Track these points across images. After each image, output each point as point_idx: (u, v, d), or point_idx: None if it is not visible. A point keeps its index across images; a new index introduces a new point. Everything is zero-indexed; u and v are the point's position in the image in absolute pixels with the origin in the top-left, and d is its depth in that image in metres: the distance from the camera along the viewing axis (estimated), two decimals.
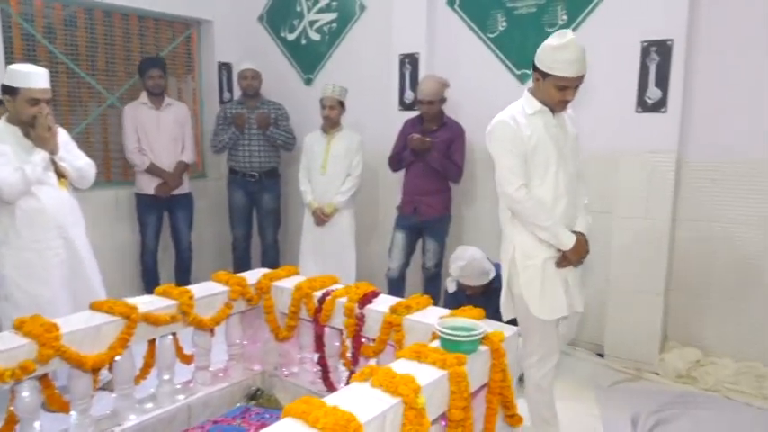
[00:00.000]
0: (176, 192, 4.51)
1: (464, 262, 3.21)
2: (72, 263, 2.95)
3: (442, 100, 3.82)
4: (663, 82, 3.33)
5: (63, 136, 3.04)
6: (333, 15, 4.84)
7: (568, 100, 2.35)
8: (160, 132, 4.40)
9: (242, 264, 4.75)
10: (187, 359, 2.76)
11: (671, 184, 3.39)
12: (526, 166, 2.37)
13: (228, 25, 5.30)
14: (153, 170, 4.38)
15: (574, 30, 3.64)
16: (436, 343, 2.00)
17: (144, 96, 4.38)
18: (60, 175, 2.95)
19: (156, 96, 4.39)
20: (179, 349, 2.68)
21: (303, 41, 5.07)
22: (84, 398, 2.30)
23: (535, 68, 2.34)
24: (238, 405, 2.84)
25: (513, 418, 2.18)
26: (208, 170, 5.39)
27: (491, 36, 4.03)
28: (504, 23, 3.96)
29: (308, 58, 5.07)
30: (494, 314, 2.36)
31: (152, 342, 2.58)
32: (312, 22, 4.98)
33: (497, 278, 3.30)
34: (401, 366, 1.81)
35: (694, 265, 3.49)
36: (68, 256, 2.94)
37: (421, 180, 3.86)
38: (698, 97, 3.36)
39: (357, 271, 4.25)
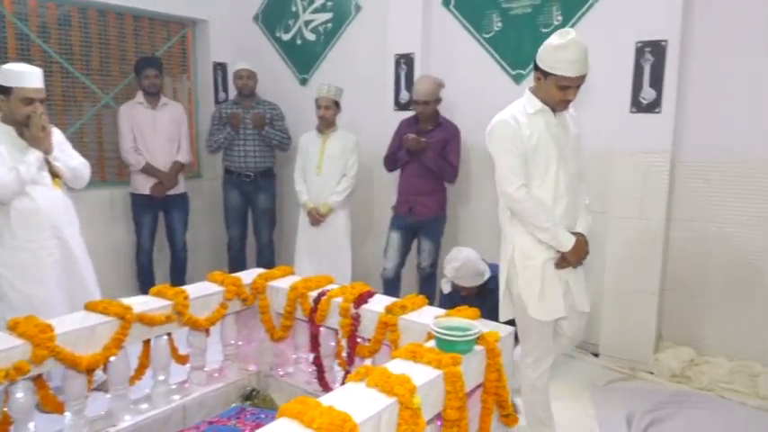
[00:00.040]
0: (172, 192, 4.50)
1: (459, 263, 3.21)
2: (66, 263, 2.95)
3: (438, 100, 3.82)
4: (657, 82, 3.34)
5: (57, 136, 3.03)
6: (328, 15, 4.84)
7: (570, 99, 2.34)
8: (156, 132, 4.39)
9: (237, 264, 4.75)
10: (182, 359, 2.75)
11: (665, 184, 3.41)
12: (526, 165, 2.36)
13: (224, 25, 5.29)
14: (148, 170, 4.37)
15: None
16: (432, 343, 2.00)
17: (140, 96, 4.37)
18: (55, 174, 2.94)
19: (152, 96, 4.38)
20: (174, 350, 2.67)
21: (298, 41, 5.07)
22: (79, 398, 2.29)
23: (536, 67, 2.33)
24: (234, 405, 2.84)
25: (509, 418, 2.18)
26: (203, 170, 5.37)
27: (486, 36, 4.03)
28: (500, 24, 3.97)
29: (303, 58, 5.07)
30: (488, 314, 2.36)
31: (147, 342, 2.57)
32: (307, 22, 4.97)
33: (492, 279, 3.31)
34: (396, 366, 1.81)
35: (689, 265, 3.50)
36: (63, 256, 2.93)
37: (416, 180, 3.87)
38: (692, 98, 3.37)
39: (352, 271, 4.25)
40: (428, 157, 3.76)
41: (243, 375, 2.97)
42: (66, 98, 4.48)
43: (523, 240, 2.42)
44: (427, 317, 2.30)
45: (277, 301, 2.85)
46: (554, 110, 2.38)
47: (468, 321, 2.08)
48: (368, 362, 2.47)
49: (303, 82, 5.09)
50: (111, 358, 2.33)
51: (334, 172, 4.15)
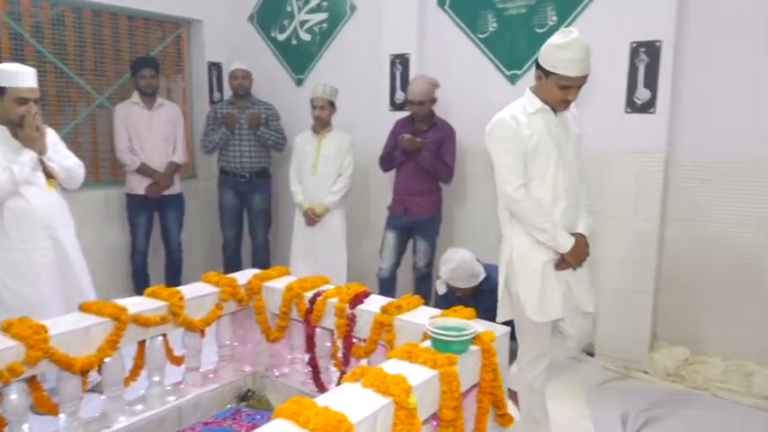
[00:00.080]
0: (167, 192, 4.48)
1: (454, 264, 3.21)
2: (61, 264, 2.93)
3: (433, 100, 3.83)
4: (652, 82, 3.35)
5: (51, 136, 3.02)
6: (323, 15, 4.84)
7: (570, 100, 2.31)
8: (152, 132, 4.38)
9: (233, 264, 4.74)
10: (177, 360, 2.74)
11: (660, 184, 3.42)
12: (526, 165, 2.34)
13: (218, 25, 5.28)
14: (144, 170, 4.36)
15: None
16: (427, 343, 2.00)
17: (136, 96, 4.36)
18: (49, 175, 2.93)
19: (149, 96, 4.36)
20: (169, 351, 2.66)
21: (294, 41, 5.07)
22: (73, 400, 2.28)
23: (538, 66, 2.31)
24: (229, 406, 2.83)
25: (504, 418, 2.19)
26: (198, 170, 5.36)
27: (481, 36, 4.04)
28: (495, 24, 3.97)
29: (298, 59, 5.06)
30: (483, 315, 2.36)
31: (142, 343, 2.56)
32: (303, 23, 4.97)
33: (487, 280, 3.32)
34: (392, 366, 1.82)
35: (683, 265, 3.51)
36: (57, 256, 2.92)
37: (411, 180, 3.87)
38: (686, 98, 3.38)
39: (348, 271, 4.24)
40: (423, 157, 3.76)
41: (238, 376, 2.96)
42: (61, 98, 4.46)
43: (522, 241, 2.40)
44: (423, 317, 2.30)
45: (272, 302, 2.85)
46: (555, 110, 2.35)
47: (463, 321, 2.08)
48: (363, 362, 2.47)
49: (298, 82, 5.08)
50: (106, 359, 2.33)
51: (330, 172, 4.14)
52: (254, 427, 2.54)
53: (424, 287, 3.97)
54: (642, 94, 3.39)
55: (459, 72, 4.12)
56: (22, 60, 3.90)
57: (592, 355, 3.71)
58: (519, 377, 2.57)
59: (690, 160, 3.43)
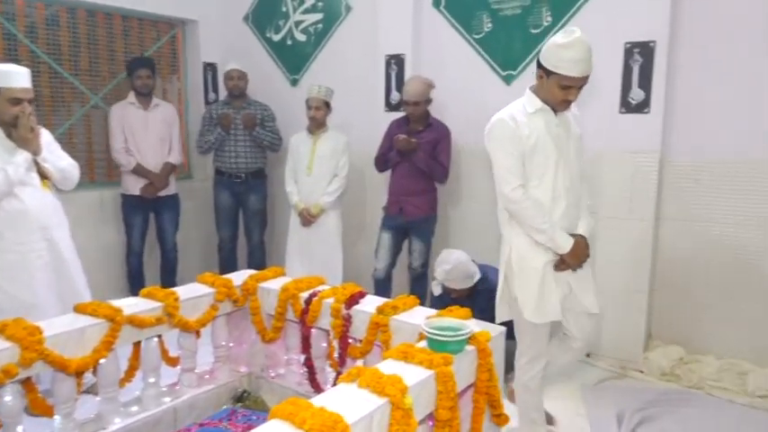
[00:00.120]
0: (163, 193, 4.47)
1: (449, 266, 3.22)
2: (56, 265, 2.92)
3: (428, 101, 3.83)
4: (646, 83, 3.36)
5: (46, 136, 3.01)
6: (318, 16, 4.83)
7: (571, 100, 2.30)
8: (147, 133, 4.37)
9: (228, 265, 4.73)
10: (173, 361, 2.74)
11: (654, 184, 3.43)
12: (524, 166, 2.32)
13: (214, 25, 5.27)
14: (139, 171, 4.35)
15: (558, 31, 3.66)
16: (423, 343, 2.00)
17: (132, 96, 4.35)
18: (43, 176, 2.92)
19: (144, 96, 4.35)
20: (164, 352, 2.66)
21: (289, 42, 5.06)
22: (68, 402, 2.27)
23: (539, 65, 2.29)
24: (225, 407, 2.83)
25: (500, 418, 2.19)
26: (193, 171, 5.35)
27: (476, 37, 4.04)
28: (490, 24, 3.98)
29: (293, 59, 5.06)
30: (479, 315, 2.35)
31: (137, 344, 2.56)
32: (298, 23, 4.97)
33: (482, 280, 3.32)
34: (388, 367, 1.82)
35: (678, 265, 3.52)
36: (52, 258, 2.91)
37: (407, 180, 3.87)
38: (680, 98, 3.40)
39: (344, 272, 4.24)
40: (419, 157, 3.77)
41: (234, 377, 2.96)
42: (55, 99, 4.45)
43: (521, 242, 2.39)
44: (418, 317, 2.30)
45: (268, 303, 2.85)
46: (555, 110, 2.34)
47: (459, 321, 2.08)
48: (359, 362, 2.48)
49: (294, 83, 5.08)
50: (101, 361, 2.32)
51: (325, 173, 4.14)
52: (250, 428, 2.54)
53: (419, 287, 3.97)
54: (636, 95, 3.40)
55: (455, 72, 4.12)
56: (16, 61, 3.89)
57: (587, 354, 3.72)
58: (516, 377, 2.57)
59: (684, 160, 3.44)
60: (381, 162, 4.02)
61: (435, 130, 3.85)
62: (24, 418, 2.18)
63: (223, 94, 4.97)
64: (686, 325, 3.54)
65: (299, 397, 1.63)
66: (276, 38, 5.13)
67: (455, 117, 4.02)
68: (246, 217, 4.81)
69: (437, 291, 3.36)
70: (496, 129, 2.35)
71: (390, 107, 4.37)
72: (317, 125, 4.13)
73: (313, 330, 2.70)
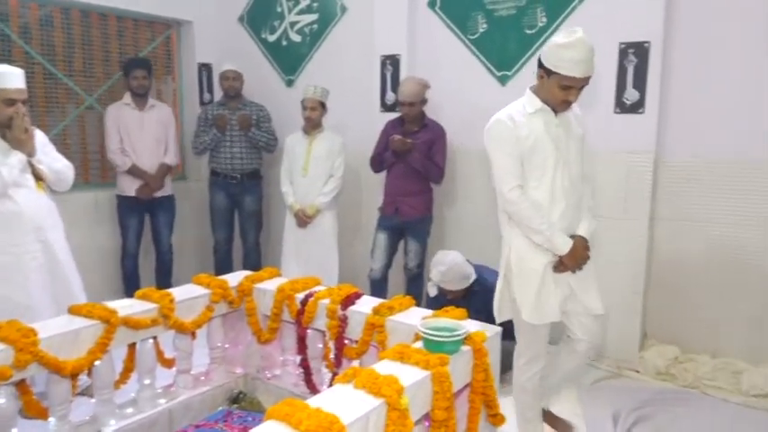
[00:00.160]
0: (158, 194, 4.46)
1: (445, 267, 3.22)
2: (51, 266, 2.91)
3: (423, 101, 3.83)
4: (640, 83, 3.38)
5: (40, 138, 3.00)
6: (314, 17, 4.83)
7: (571, 101, 2.28)
8: (143, 133, 4.36)
9: (223, 266, 4.72)
10: (168, 363, 2.73)
11: (649, 184, 3.44)
12: (523, 166, 2.31)
13: (208, 26, 5.26)
14: (134, 171, 4.33)
15: (553, 32, 3.68)
16: (419, 344, 2.00)
17: (127, 97, 4.34)
18: (38, 177, 2.91)
19: (140, 97, 4.34)
20: (160, 353, 2.65)
21: (284, 42, 5.06)
22: (63, 404, 2.26)
23: (540, 65, 2.27)
24: (220, 408, 2.82)
25: (496, 418, 2.19)
26: (188, 172, 5.34)
27: (471, 38, 4.05)
28: (485, 25, 3.99)
29: (289, 60, 5.05)
30: (474, 316, 2.35)
31: (132, 346, 2.54)
32: (293, 24, 4.96)
33: (478, 281, 3.33)
34: (384, 367, 1.81)
35: (673, 264, 3.54)
36: (47, 259, 2.89)
37: (402, 181, 3.87)
38: (675, 98, 3.41)
39: (339, 272, 4.24)
40: (414, 158, 3.77)
41: (230, 378, 2.95)
42: (49, 100, 4.43)
43: (520, 243, 2.38)
44: (414, 318, 2.30)
45: (264, 304, 2.84)
46: (555, 110, 2.32)
47: (455, 322, 2.08)
48: (355, 363, 2.47)
49: (289, 83, 5.07)
50: (96, 362, 2.31)
51: (321, 173, 4.14)
52: (246, 429, 2.53)
53: (415, 288, 3.98)
54: (631, 95, 3.41)
55: (450, 73, 4.13)
56: (10, 61, 3.87)
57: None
58: (514, 377, 2.57)
59: (679, 160, 3.45)
60: (377, 163, 4.02)
61: (431, 131, 3.85)
62: (19, 421, 2.17)
63: (218, 94, 4.96)
64: (681, 324, 3.55)
65: (295, 398, 1.62)
66: (271, 38, 5.13)
67: (450, 117, 4.02)
68: (242, 218, 4.80)
69: (433, 292, 3.36)
70: (495, 129, 2.34)
71: (386, 108, 4.37)
72: (312, 126, 4.12)
73: (309, 331, 2.69)
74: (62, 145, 4.26)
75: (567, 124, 2.36)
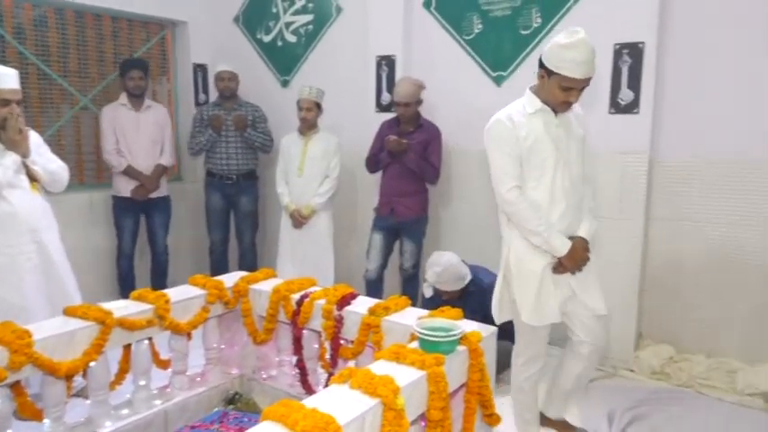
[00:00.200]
0: (154, 195, 4.45)
1: (440, 268, 3.22)
2: (45, 267, 2.90)
3: (419, 102, 3.84)
4: (635, 84, 3.39)
5: (35, 138, 2.99)
6: (309, 17, 4.83)
7: (571, 102, 2.27)
8: (139, 134, 4.34)
9: (219, 267, 4.71)
10: (164, 364, 2.72)
11: (643, 185, 3.46)
12: (522, 167, 2.30)
13: (203, 26, 5.25)
14: (130, 172, 4.32)
15: (548, 32, 3.70)
16: (415, 344, 2.00)
17: (123, 97, 4.32)
18: (32, 178, 2.90)
19: (136, 98, 4.33)
20: (155, 354, 2.64)
21: (279, 43, 5.05)
22: (58, 405, 2.26)
23: (541, 65, 2.25)
24: (216, 409, 2.82)
25: (492, 418, 2.19)
26: (184, 173, 5.33)
27: (467, 38, 4.06)
28: (480, 26, 3.99)
29: (284, 60, 5.05)
30: (470, 316, 2.35)
31: (127, 347, 2.54)
32: (288, 24, 4.96)
33: (473, 281, 3.33)
34: (380, 368, 1.82)
35: (668, 264, 3.55)
36: (41, 260, 2.88)
37: (398, 181, 3.88)
38: (669, 99, 3.42)
39: (335, 273, 4.24)
40: (409, 158, 3.77)
41: (225, 379, 2.95)
42: (44, 100, 4.42)
43: (520, 244, 2.37)
44: (410, 318, 2.30)
45: (259, 304, 2.84)
46: (555, 110, 2.31)
47: (450, 322, 2.09)
48: (351, 364, 2.47)
49: (284, 84, 5.07)
50: (91, 364, 2.30)
51: (316, 174, 4.14)
52: (242, 430, 2.53)
53: (410, 288, 3.98)
54: (626, 95, 3.42)
55: (445, 73, 4.13)
56: (4, 62, 3.86)
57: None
58: (512, 377, 2.58)
59: (674, 161, 3.46)
60: (372, 163, 4.02)
61: (426, 131, 3.86)
62: (13, 423, 2.16)
63: (213, 95, 4.96)
64: (676, 324, 3.56)
65: (291, 398, 1.63)
66: (266, 39, 5.12)
67: (446, 118, 4.03)
68: (238, 219, 4.80)
69: (428, 293, 3.36)
70: (494, 129, 2.34)
71: (381, 108, 4.37)
72: (308, 126, 4.12)
73: (304, 332, 2.69)
74: (57, 146, 4.25)
75: (567, 124, 2.35)
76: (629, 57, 3.38)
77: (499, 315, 2.51)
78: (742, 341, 3.35)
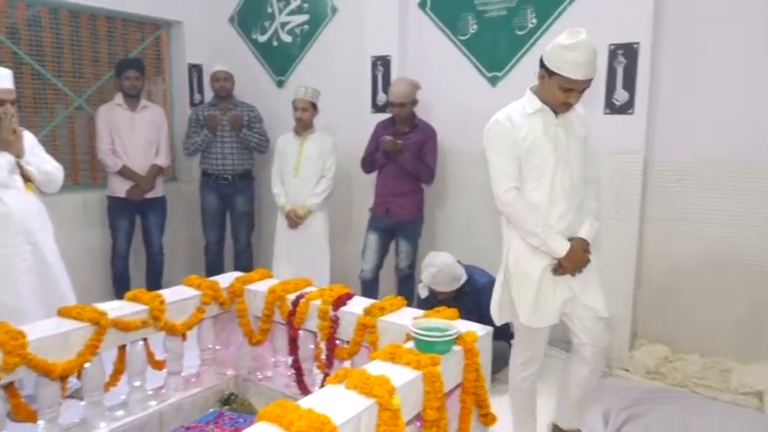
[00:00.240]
0: (149, 195, 4.43)
1: (436, 269, 3.22)
2: (40, 268, 2.89)
3: (414, 102, 3.84)
4: (630, 84, 3.40)
5: (29, 139, 2.98)
6: (304, 17, 4.83)
7: (572, 103, 2.24)
8: (135, 134, 4.33)
9: (215, 267, 4.70)
10: (159, 365, 2.72)
11: (638, 185, 3.47)
12: (521, 167, 2.29)
13: (199, 26, 5.24)
14: (125, 172, 4.31)
15: (543, 33, 3.70)
16: (410, 344, 2.01)
17: (119, 97, 4.31)
18: (26, 178, 2.89)
19: (132, 98, 4.32)
20: (150, 355, 2.64)
21: (275, 43, 5.05)
22: (52, 406, 2.25)
23: (542, 65, 2.23)
24: (211, 410, 2.81)
25: (487, 417, 2.20)
26: (179, 173, 5.32)
27: (462, 38, 4.06)
28: (475, 26, 4.00)
29: (279, 60, 5.04)
30: (466, 316, 2.35)
31: (122, 348, 2.53)
32: (283, 24, 4.96)
33: (468, 282, 3.33)
34: (376, 368, 1.82)
35: (662, 264, 3.56)
36: (36, 261, 2.87)
37: (393, 182, 3.88)
38: (664, 99, 3.43)
39: (331, 273, 4.24)
40: (405, 158, 3.77)
41: (221, 380, 2.94)
42: (38, 100, 4.40)
43: (519, 245, 2.35)
44: (406, 318, 2.31)
45: (255, 305, 2.83)
46: (556, 111, 2.29)
47: (446, 322, 2.09)
48: (347, 364, 2.47)
49: (280, 84, 5.06)
50: (86, 365, 2.30)
51: (312, 174, 4.14)
52: (238, 430, 2.54)
53: (406, 288, 3.98)
54: (620, 96, 3.44)
55: (440, 74, 4.14)
56: None
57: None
58: (510, 376, 2.58)
59: (668, 161, 3.48)
60: (368, 163, 4.02)
61: (421, 132, 3.86)
62: (7, 424, 2.15)
63: (209, 95, 4.94)
64: (671, 324, 3.57)
65: (287, 399, 1.63)
66: (262, 39, 5.12)
67: (441, 118, 4.03)
68: (233, 219, 4.79)
69: (424, 293, 3.36)
70: (492, 130, 2.32)
71: (377, 108, 4.37)
72: (303, 126, 4.12)
73: (300, 332, 2.69)
74: (51, 146, 4.23)
75: (567, 125, 2.32)
76: (624, 57, 3.39)
77: (499, 317, 2.49)
78: (736, 341, 3.36)
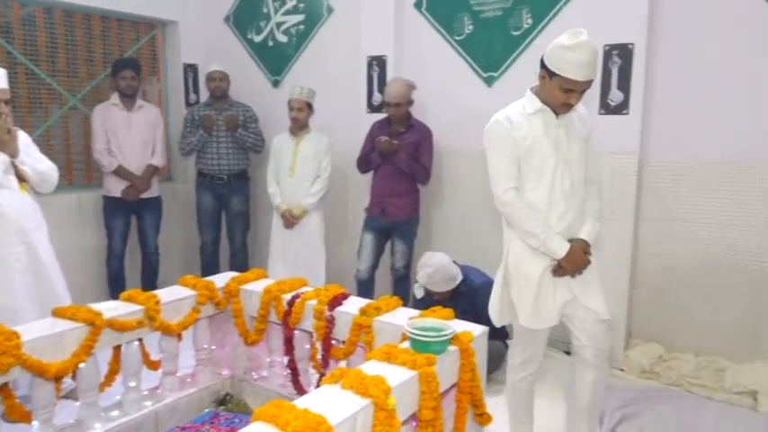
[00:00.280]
0: (145, 195, 4.42)
1: (431, 269, 3.22)
2: (35, 268, 2.88)
3: (410, 102, 3.84)
4: (625, 84, 3.41)
5: (23, 139, 2.97)
6: (300, 17, 4.82)
7: (572, 104, 2.23)
8: (131, 134, 4.32)
9: (210, 267, 4.69)
10: (154, 365, 2.71)
11: (633, 185, 3.48)
12: (521, 168, 2.28)
13: (194, 26, 5.23)
14: (121, 172, 4.29)
15: (539, 33, 3.71)
16: (406, 344, 2.01)
17: (115, 97, 4.30)
18: (21, 178, 2.88)
19: (128, 98, 4.30)
20: (145, 355, 2.63)
21: (270, 43, 5.04)
22: (47, 407, 2.24)
23: (542, 65, 2.22)
24: (207, 410, 2.81)
25: (483, 417, 2.20)
26: (175, 173, 5.31)
27: (458, 39, 4.07)
28: (471, 26, 4.00)
29: (275, 60, 5.04)
30: (461, 316, 2.34)
31: (117, 348, 2.53)
32: (279, 24, 4.95)
33: (464, 282, 3.33)
34: (371, 368, 1.82)
35: (657, 264, 3.57)
36: (30, 261, 2.86)
37: (389, 182, 3.88)
38: (659, 99, 3.44)
39: (326, 273, 4.24)
40: (400, 158, 3.77)
41: (216, 380, 2.94)
42: (32, 100, 4.38)
43: (519, 246, 2.34)
44: (401, 318, 2.31)
45: (250, 305, 2.83)
46: (556, 111, 2.28)
47: (442, 322, 2.09)
48: (342, 364, 2.48)
49: (275, 84, 5.06)
50: (81, 365, 2.29)
51: (308, 174, 4.13)
52: (233, 431, 2.53)
53: (402, 288, 3.98)
54: (615, 96, 3.45)
55: (436, 74, 4.14)
56: None
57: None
58: (508, 376, 2.58)
59: (663, 161, 3.49)
60: (363, 163, 4.02)
61: (417, 132, 3.86)
62: (1, 425, 2.15)
63: (204, 95, 4.94)
64: (665, 323, 3.58)
65: (283, 399, 1.62)
66: (257, 39, 5.11)
67: (437, 118, 4.03)
68: (229, 219, 4.78)
69: (419, 294, 3.36)
70: (492, 130, 2.31)
71: (372, 108, 4.37)
72: (299, 126, 4.12)
73: (296, 332, 2.69)
74: (45, 146, 4.22)
75: (568, 125, 2.31)
76: (619, 58, 3.40)
77: (499, 318, 2.48)
78: (730, 340, 3.38)
